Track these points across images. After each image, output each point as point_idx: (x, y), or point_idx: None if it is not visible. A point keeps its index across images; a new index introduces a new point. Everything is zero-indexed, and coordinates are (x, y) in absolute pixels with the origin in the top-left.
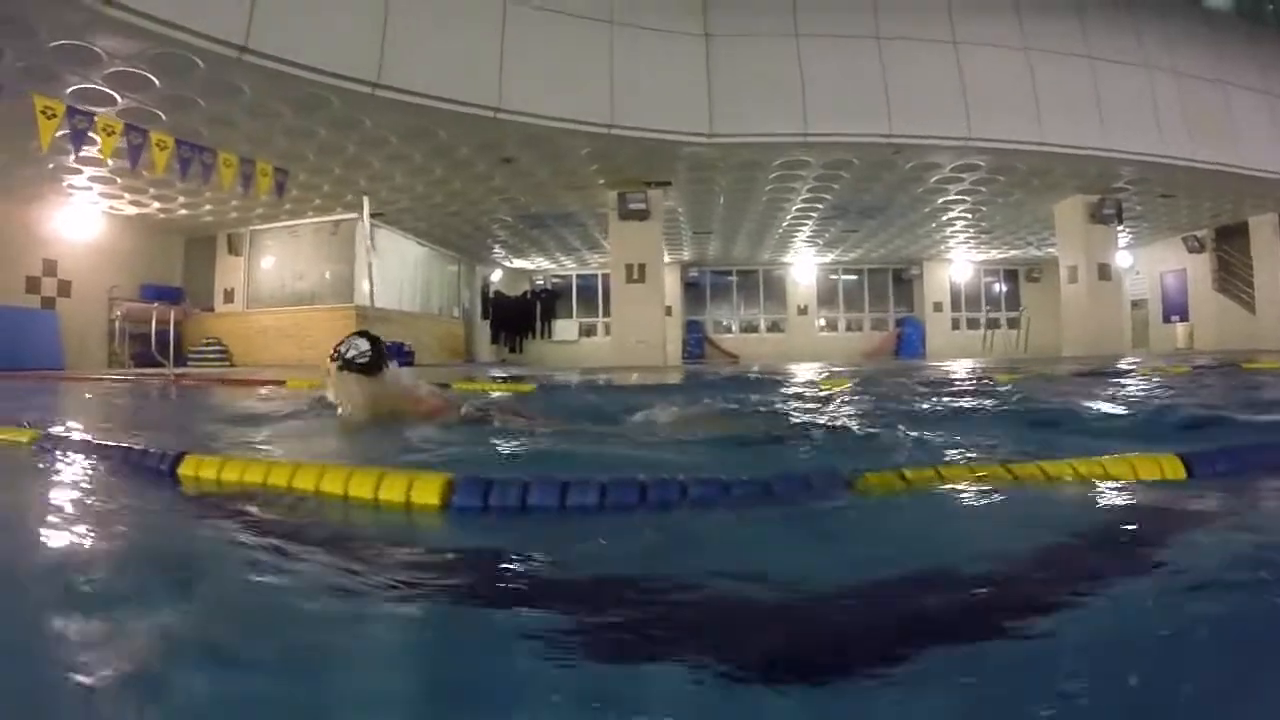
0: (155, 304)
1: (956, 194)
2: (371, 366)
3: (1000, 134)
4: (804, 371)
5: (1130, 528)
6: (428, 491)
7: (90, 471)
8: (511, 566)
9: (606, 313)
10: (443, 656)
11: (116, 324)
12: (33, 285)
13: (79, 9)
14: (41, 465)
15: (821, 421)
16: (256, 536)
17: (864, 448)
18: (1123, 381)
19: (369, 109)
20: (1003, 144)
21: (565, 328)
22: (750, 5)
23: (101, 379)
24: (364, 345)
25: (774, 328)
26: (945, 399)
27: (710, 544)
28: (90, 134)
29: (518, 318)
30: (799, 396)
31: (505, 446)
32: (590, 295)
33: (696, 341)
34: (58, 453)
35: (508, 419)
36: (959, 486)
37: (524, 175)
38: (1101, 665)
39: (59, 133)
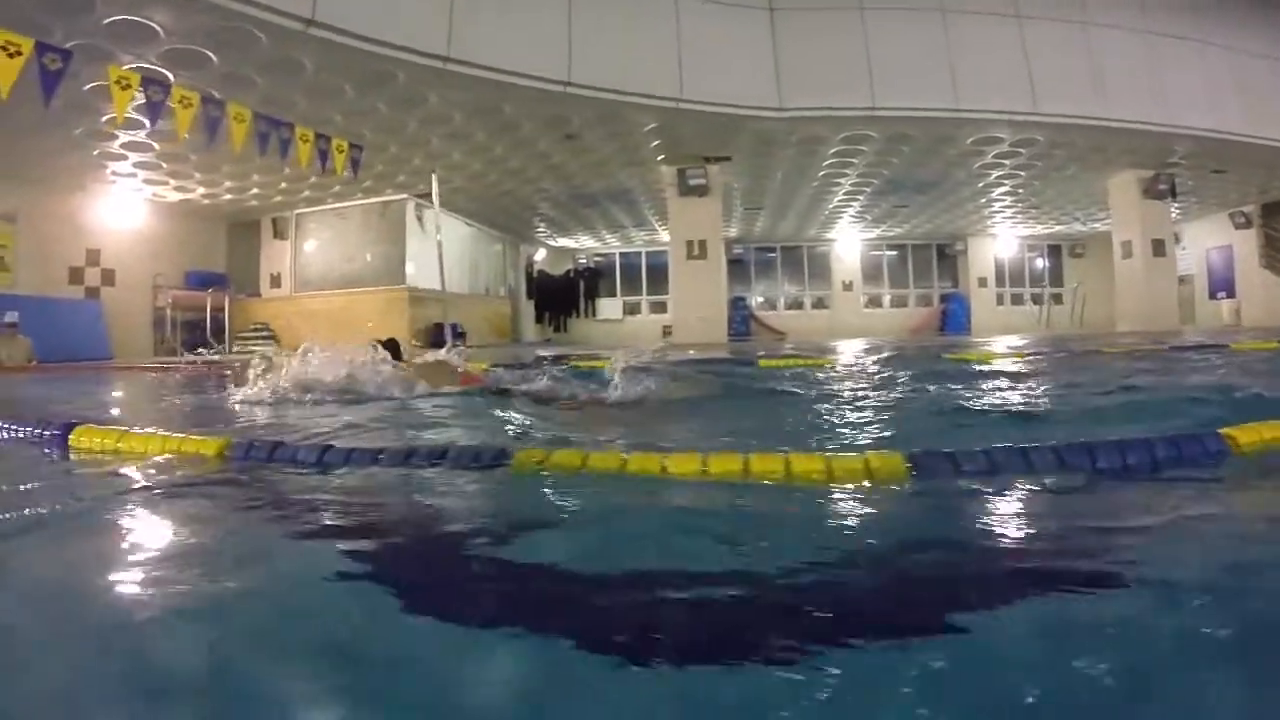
0: (209, 291)
1: (1012, 167)
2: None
3: (1063, 109)
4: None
5: None
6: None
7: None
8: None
9: (650, 291)
10: None
11: (167, 311)
12: (75, 276)
13: None
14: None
15: None
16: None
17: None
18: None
19: (436, 85)
20: (1066, 119)
21: (609, 306)
22: None
23: (170, 368)
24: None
25: (819, 304)
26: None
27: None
28: (165, 105)
29: (562, 297)
30: None
31: None
32: (634, 274)
33: (742, 319)
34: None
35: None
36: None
37: (585, 151)
38: None
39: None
